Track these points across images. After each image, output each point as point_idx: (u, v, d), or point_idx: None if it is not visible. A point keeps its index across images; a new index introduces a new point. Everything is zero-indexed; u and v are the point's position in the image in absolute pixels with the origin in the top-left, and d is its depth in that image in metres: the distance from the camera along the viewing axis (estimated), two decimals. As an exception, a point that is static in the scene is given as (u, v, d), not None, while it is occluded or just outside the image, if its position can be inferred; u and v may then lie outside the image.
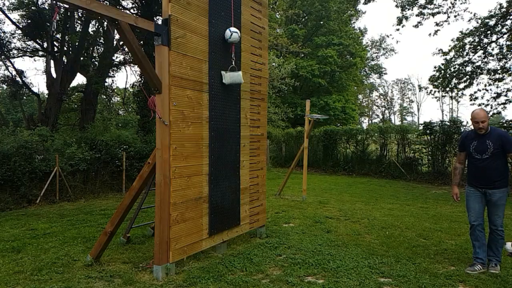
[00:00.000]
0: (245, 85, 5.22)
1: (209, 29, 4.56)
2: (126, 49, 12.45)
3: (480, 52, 13.53)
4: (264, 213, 5.94)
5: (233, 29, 4.72)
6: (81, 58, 16.17)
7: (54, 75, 15.22)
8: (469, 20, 21.19)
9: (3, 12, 14.54)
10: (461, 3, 17.82)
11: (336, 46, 29.61)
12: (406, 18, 14.20)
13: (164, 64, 4.03)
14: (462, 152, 4.60)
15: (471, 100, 14.27)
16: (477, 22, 13.19)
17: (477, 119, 4.28)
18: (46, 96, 16.74)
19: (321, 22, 31.14)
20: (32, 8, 14.55)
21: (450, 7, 13.45)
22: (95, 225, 6.54)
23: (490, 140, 4.28)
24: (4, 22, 24.26)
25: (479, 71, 13.78)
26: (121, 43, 15.39)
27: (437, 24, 13.88)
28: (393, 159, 14.84)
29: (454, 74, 14.09)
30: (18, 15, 15.66)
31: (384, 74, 58.63)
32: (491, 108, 13.80)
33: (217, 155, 4.73)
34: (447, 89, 14.71)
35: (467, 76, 13.92)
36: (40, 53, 17.51)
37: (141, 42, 12.20)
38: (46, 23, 14.45)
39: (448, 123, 13.94)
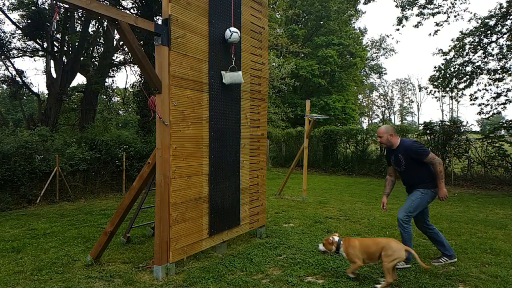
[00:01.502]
0: (245, 85, 5.22)
1: (209, 29, 4.56)
2: (126, 49, 12.45)
3: (480, 52, 13.52)
4: (264, 213, 5.94)
5: (233, 29, 4.72)
6: (81, 58, 16.19)
7: (54, 75, 15.23)
8: (469, 20, 21.18)
9: (3, 12, 14.55)
10: (461, 3, 17.87)
11: (336, 46, 29.61)
12: (406, 18, 14.19)
13: (164, 64, 4.03)
14: (389, 166, 4.76)
15: (471, 100, 14.26)
16: (477, 22, 13.19)
17: (376, 134, 4.52)
18: (46, 96, 16.75)
19: (321, 22, 31.15)
20: (32, 8, 14.56)
21: (450, 7, 13.45)
22: (95, 225, 6.54)
23: (401, 154, 4.44)
24: (4, 22, 24.31)
25: (479, 71, 13.77)
26: (121, 43, 15.39)
27: (437, 24, 13.87)
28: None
29: (454, 74, 14.08)
30: (18, 15, 15.68)
31: (384, 74, 58.75)
32: (491, 108, 13.80)
33: (217, 155, 4.73)
34: (447, 89, 14.70)
35: (467, 76, 13.91)
36: (40, 53, 17.52)
37: (141, 42, 12.20)
38: (46, 23, 14.46)
39: (448, 123, 13.93)
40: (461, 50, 13.64)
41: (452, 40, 14.02)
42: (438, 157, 4.25)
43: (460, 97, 14.94)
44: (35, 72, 61.67)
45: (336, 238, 4.11)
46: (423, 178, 4.38)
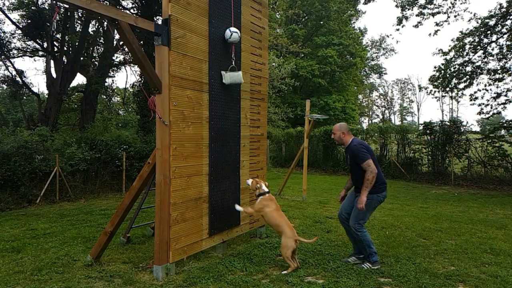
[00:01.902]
0: (245, 85, 5.22)
1: (209, 29, 4.56)
2: (126, 49, 12.45)
3: (480, 52, 13.52)
4: (264, 213, 5.94)
5: (233, 29, 4.72)
6: (81, 58, 16.17)
7: (54, 75, 15.22)
8: (469, 20, 21.20)
9: (3, 12, 14.54)
10: (461, 3, 17.86)
11: (336, 46, 29.61)
12: (406, 18, 14.20)
13: (164, 64, 4.03)
14: None
15: (471, 100, 14.28)
16: (477, 22, 13.19)
17: (332, 130, 4.73)
18: (46, 96, 16.74)
19: (321, 22, 31.15)
20: (32, 8, 14.56)
21: (450, 7, 13.45)
22: (95, 225, 6.54)
23: (348, 154, 4.59)
24: (4, 22, 24.29)
25: (479, 71, 13.78)
26: (121, 43, 15.38)
27: (437, 24, 13.88)
28: (393, 159, 14.85)
29: (454, 74, 14.09)
30: (18, 15, 15.68)
31: (384, 74, 58.72)
32: (491, 108, 13.80)
33: (217, 155, 4.73)
34: (447, 89, 14.71)
35: (467, 76, 13.92)
36: (40, 53, 17.51)
37: (141, 42, 12.20)
38: (46, 23, 14.45)
39: (448, 123, 13.94)
40: (461, 50, 13.64)
41: (452, 40, 14.04)
42: (374, 167, 4.27)
43: (460, 97, 14.96)
44: (35, 72, 61.72)
45: (264, 188, 4.57)
46: (363, 178, 4.35)
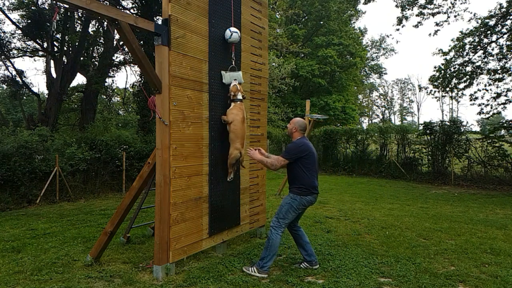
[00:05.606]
0: (245, 85, 5.22)
1: (209, 29, 4.56)
2: (126, 49, 12.45)
3: (480, 52, 13.53)
4: (264, 213, 5.94)
5: (233, 29, 4.73)
6: (81, 58, 16.16)
7: (54, 75, 15.22)
8: (469, 20, 21.23)
9: (3, 12, 14.53)
10: (461, 3, 17.88)
11: (336, 46, 29.58)
12: (406, 18, 14.20)
13: (164, 64, 4.03)
14: None
15: (471, 100, 14.28)
16: (477, 22, 13.20)
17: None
18: (46, 96, 16.73)
19: (321, 22, 31.12)
20: (32, 8, 14.54)
21: (450, 7, 13.46)
22: (95, 225, 6.55)
23: None
24: (4, 22, 24.29)
25: (479, 71, 13.78)
26: (121, 43, 15.37)
27: (437, 24, 13.88)
28: (393, 159, 14.85)
29: (454, 74, 14.09)
30: (18, 15, 15.65)
31: (384, 74, 58.75)
32: (491, 108, 13.80)
33: (217, 155, 4.73)
34: (447, 89, 14.71)
35: (467, 76, 13.92)
36: (40, 53, 17.49)
37: (141, 42, 12.20)
38: (46, 23, 14.44)
39: (448, 123, 13.93)
40: (461, 50, 13.65)
41: (452, 40, 14.05)
42: (279, 166, 4.33)
43: (460, 97, 14.96)
44: (35, 72, 61.61)
45: (239, 97, 4.73)
46: (293, 180, 4.32)
